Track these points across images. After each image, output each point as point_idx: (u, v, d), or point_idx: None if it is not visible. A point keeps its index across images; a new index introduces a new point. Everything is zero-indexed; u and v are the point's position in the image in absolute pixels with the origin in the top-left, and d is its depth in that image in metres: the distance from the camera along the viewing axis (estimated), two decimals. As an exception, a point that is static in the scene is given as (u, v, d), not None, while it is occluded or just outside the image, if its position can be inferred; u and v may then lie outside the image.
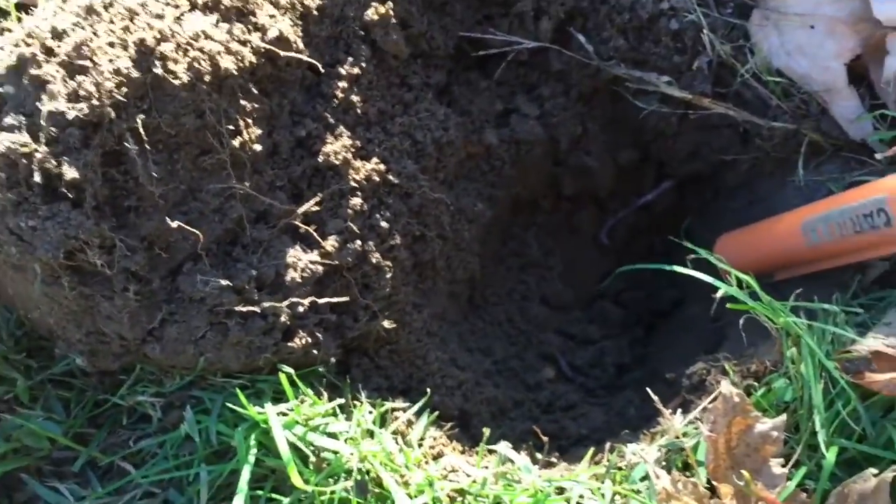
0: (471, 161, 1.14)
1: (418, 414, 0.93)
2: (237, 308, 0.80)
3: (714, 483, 0.88)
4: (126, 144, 0.74)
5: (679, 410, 0.97)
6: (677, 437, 0.92)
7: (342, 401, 0.88)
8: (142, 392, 0.85)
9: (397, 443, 0.89)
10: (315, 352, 0.86)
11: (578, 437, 1.07)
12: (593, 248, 1.37)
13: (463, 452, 0.95)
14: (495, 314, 1.22)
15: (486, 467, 0.89)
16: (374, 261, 0.91)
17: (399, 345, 0.97)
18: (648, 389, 0.94)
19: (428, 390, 0.94)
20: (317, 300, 0.85)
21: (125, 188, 0.76)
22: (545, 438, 0.93)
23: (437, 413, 0.93)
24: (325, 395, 0.87)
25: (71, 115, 0.71)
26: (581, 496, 0.89)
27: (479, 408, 1.03)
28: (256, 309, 0.81)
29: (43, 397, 0.87)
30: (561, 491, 0.89)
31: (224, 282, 0.79)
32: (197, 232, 0.77)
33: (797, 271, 1.09)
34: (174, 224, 0.75)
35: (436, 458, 0.91)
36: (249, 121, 0.84)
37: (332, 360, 0.89)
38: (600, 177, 1.28)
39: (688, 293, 1.36)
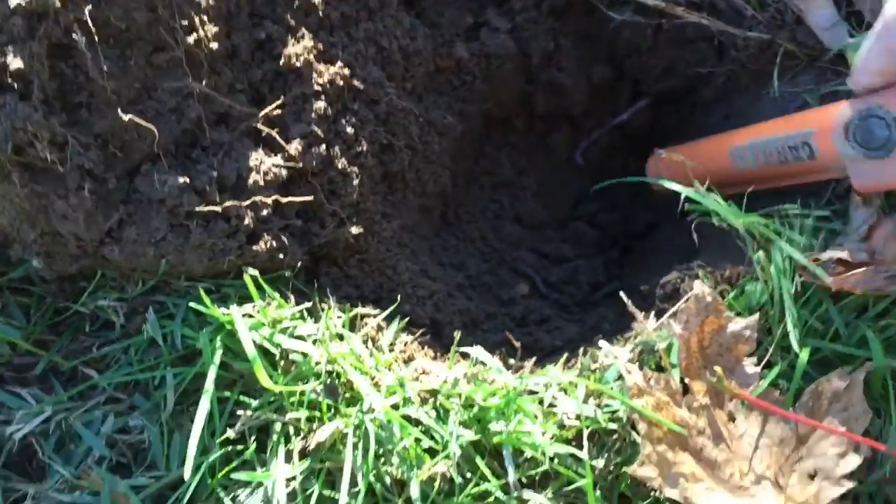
0: (440, 75, 1.12)
1: (388, 320, 0.92)
2: (198, 209, 0.78)
3: (687, 381, 0.88)
4: (74, 37, 0.72)
5: (652, 315, 0.97)
6: (650, 339, 0.91)
7: (309, 304, 0.86)
8: (103, 298, 0.84)
9: (367, 346, 0.88)
10: (281, 256, 0.85)
11: (552, 349, 1.06)
12: (567, 168, 1.35)
13: (434, 358, 0.94)
14: (468, 232, 1.20)
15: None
16: (340, 166, 0.89)
17: (369, 254, 0.96)
18: (622, 293, 0.93)
19: (399, 298, 0.93)
20: (280, 199, 0.83)
21: (75, 83, 0.74)
22: (517, 344, 0.92)
23: (408, 319, 0.92)
24: (293, 299, 0.86)
25: (13, 3, 0.69)
26: (554, 398, 0.88)
27: (450, 318, 1.02)
28: (218, 209, 0.79)
29: (1, 304, 0.85)
30: (533, 393, 0.89)
31: (183, 179, 0.77)
32: (152, 127, 0.75)
33: (727, 191, 1.08)
34: (127, 117, 0.73)
35: (406, 361, 0.90)
36: (205, 18, 0.81)
37: (299, 264, 0.87)
38: (574, 94, 1.26)
39: (662, 216, 1.35)
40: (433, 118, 1.07)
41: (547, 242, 1.28)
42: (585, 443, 0.82)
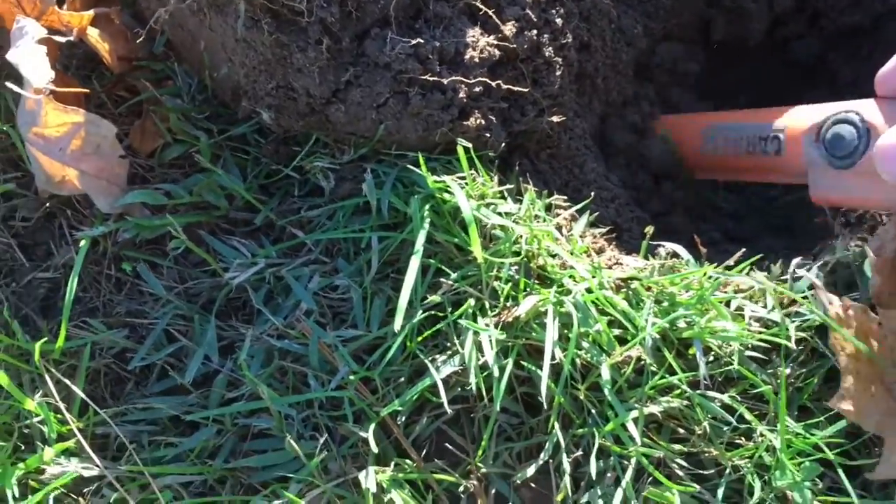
0: (629, -14, 1.11)
1: (579, 213, 0.93)
2: (421, 77, 0.80)
3: (878, 308, 0.86)
4: None
5: (842, 234, 0.95)
6: (843, 257, 0.90)
7: (511, 186, 0.88)
8: (318, 161, 0.87)
9: (561, 233, 0.89)
10: (487, 135, 0.86)
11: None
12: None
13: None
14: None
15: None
16: (546, 54, 0.90)
17: (559, 150, 0.97)
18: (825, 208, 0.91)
19: (592, 194, 0.93)
20: (502, 84, 0.84)
21: (322, -62, 0.76)
22: (703, 250, 0.92)
23: (597, 214, 0.93)
24: (496, 178, 0.88)
25: None
26: (741, 303, 0.88)
27: (630, 224, 1.02)
28: (443, 81, 0.81)
29: (222, 160, 0.89)
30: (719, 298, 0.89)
31: (413, 41, 0.79)
32: (393, -19, 0.76)
33: (699, 174, 1.12)
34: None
35: (598, 252, 0.90)
36: None
37: (503, 145, 0.88)
38: (754, 21, 1.24)
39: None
40: (624, 26, 1.06)
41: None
42: (792, 335, 0.81)
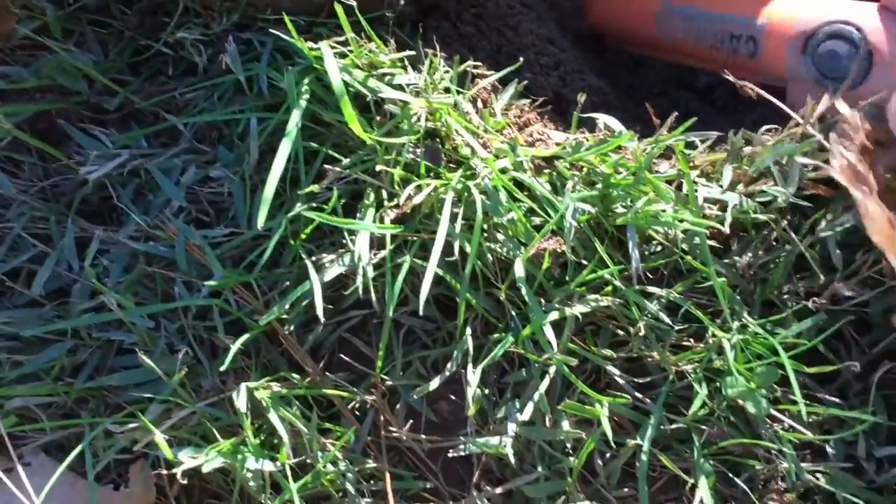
0: None
1: (504, 84, 0.79)
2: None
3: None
4: None
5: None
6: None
7: (412, 53, 0.74)
8: (186, 31, 0.74)
9: (476, 107, 0.76)
10: (382, -9, 0.72)
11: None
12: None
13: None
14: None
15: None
16: None
17: (486, 8, 0.82)
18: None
19: (521, 59, 0.79)
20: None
21: None
22: (657, 120, 0.78)
23: (525, 83, 0.79)
24: (393, 44, 0.74)
25: None
26: (694, 182, 0.74)
27: (577, 95, 0.88)
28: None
29: (77, 34, 0.77)
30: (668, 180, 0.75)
31: None
32: None
33: (645, 52, 0.95)
34: None
35: (521, 128, 0.77)
36: None
37: (402, 2, 0.74)
38: None
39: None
40: None
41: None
42: (728, 219, 0.68)
